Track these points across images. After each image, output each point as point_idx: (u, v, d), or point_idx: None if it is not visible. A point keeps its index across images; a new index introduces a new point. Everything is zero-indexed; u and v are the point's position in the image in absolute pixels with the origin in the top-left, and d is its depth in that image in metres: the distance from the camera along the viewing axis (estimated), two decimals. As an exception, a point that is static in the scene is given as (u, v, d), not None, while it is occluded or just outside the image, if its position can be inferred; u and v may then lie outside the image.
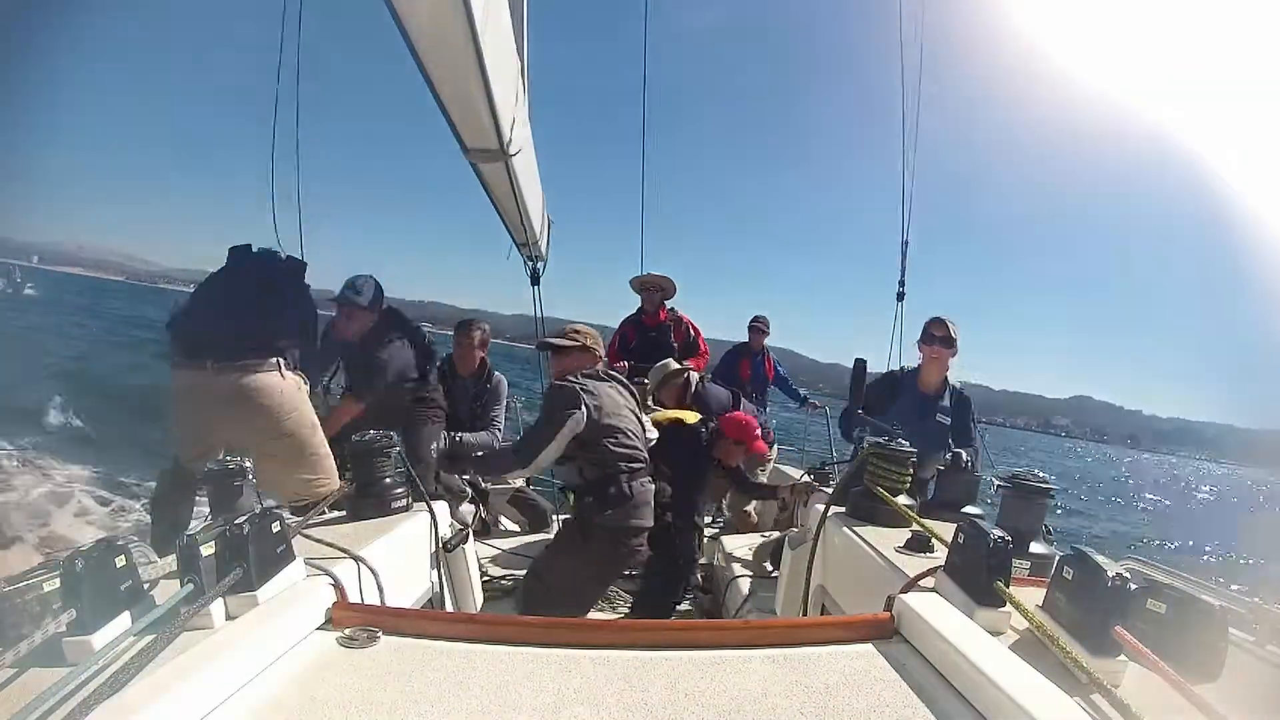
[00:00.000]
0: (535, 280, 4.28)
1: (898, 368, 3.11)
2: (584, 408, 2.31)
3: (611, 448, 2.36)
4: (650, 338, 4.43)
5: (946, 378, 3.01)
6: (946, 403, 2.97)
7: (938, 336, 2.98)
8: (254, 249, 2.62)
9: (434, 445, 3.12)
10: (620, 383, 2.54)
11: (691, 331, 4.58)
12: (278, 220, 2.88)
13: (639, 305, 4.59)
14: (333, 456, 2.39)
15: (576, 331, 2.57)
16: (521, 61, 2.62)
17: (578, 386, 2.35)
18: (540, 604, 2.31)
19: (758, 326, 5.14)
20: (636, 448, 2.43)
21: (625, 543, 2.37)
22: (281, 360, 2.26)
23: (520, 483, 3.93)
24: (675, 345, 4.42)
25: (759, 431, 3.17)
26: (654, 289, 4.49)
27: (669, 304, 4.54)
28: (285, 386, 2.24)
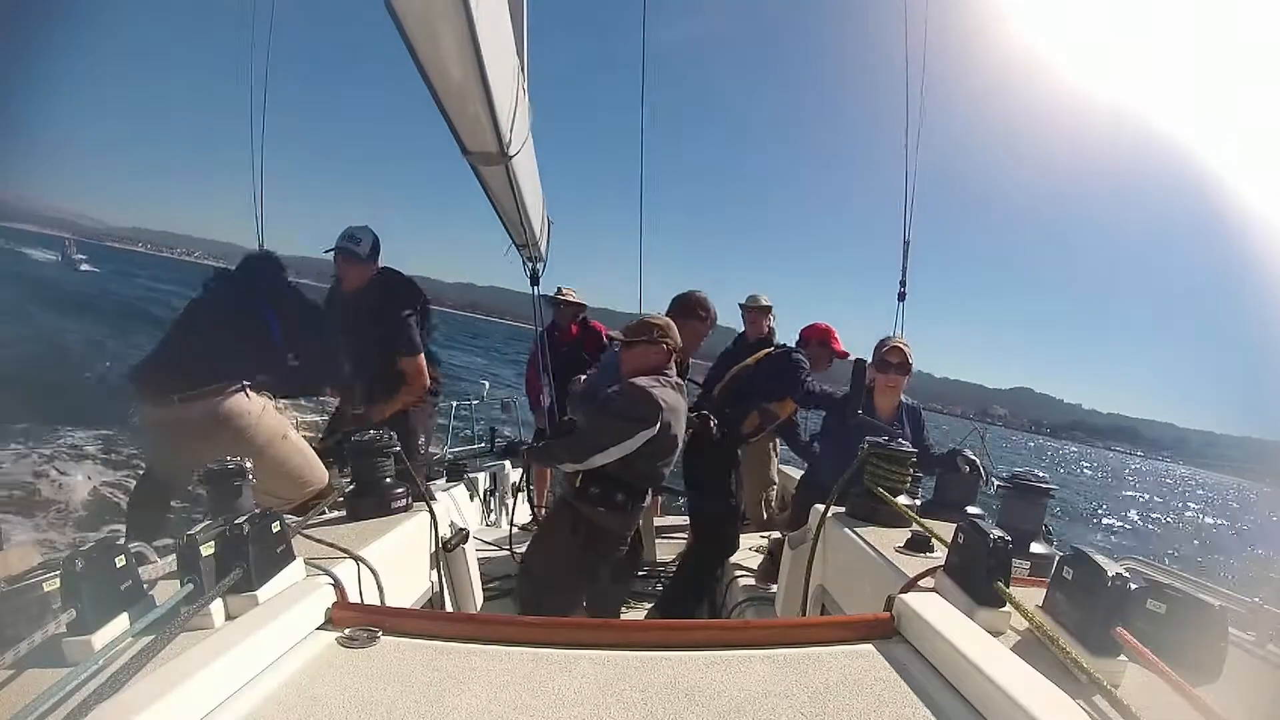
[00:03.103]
0: (535, 281, 4.28)
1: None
2: (658, 424, 2.17)
3: (656, 466, 2.30)
4: (562, 353, 4.61)
5: (900, 398, 2.95)
6: (904, 423, 2.92)
7: (894, 364, 2.88)
8: (226, 270, 2.66)
9: (422, 438, 3.14)
10: (683, 391, 2.43)
11: (605, 336, 4.80)
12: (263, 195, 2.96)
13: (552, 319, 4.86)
14: (313, 453, 2.42)
15: (660, 328, 2.39)
16: (521, 62, 2.61)
17: (660, 399, 2.19)
18: (532, 600, 2.30)
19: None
20: (670, 468, 2.39)
21: (614, 546, 2.36)
22: (244, 383, 2.32)
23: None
24: (588, 356, 4.62)
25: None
26: (562, 301, 4.74)
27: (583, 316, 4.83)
28: (250, 406, 2.31)
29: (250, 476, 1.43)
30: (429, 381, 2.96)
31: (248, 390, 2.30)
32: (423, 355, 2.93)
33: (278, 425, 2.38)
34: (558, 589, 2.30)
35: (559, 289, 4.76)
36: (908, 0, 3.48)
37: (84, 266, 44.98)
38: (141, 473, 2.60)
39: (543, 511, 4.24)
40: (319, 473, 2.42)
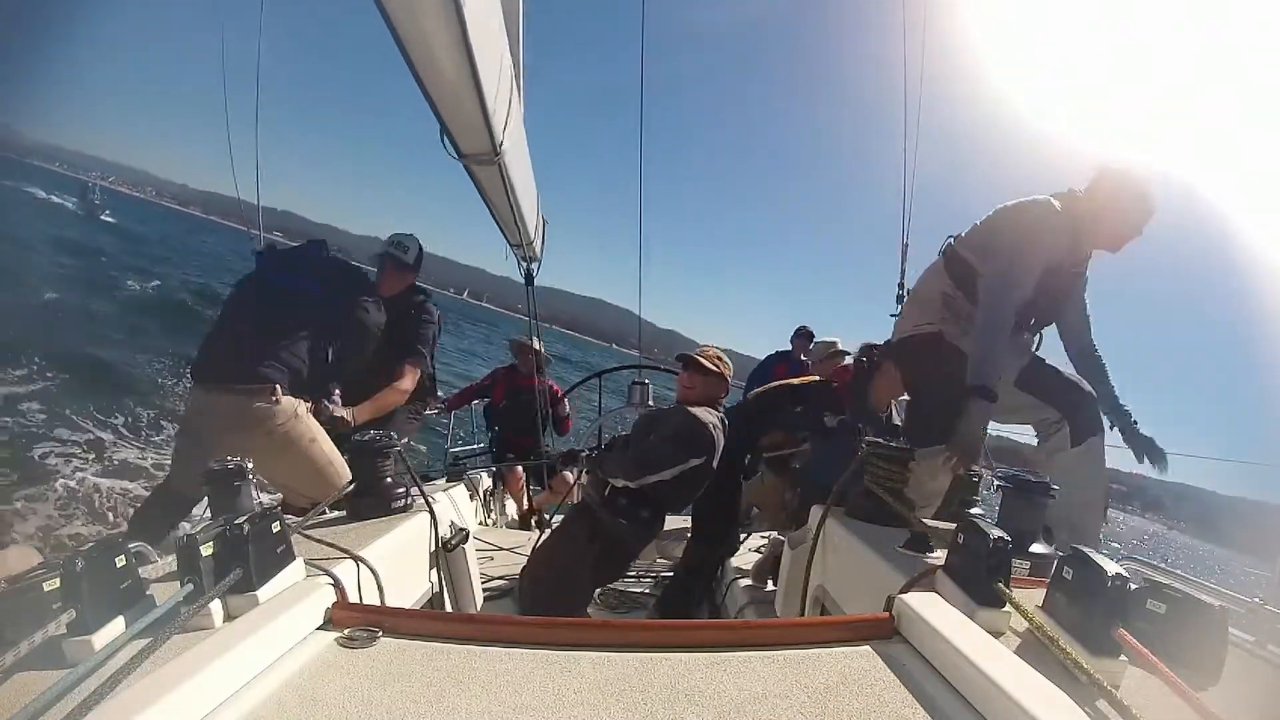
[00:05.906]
0: (529, 281, 4.27)
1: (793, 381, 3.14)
2: (706, 459, 2.27)
3: (687, 492, 2.34)
4: (522, 400, 4.57)
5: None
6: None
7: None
8: (277, 249, 2.67)
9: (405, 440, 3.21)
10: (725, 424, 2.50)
11: (558, 394, 4.97)
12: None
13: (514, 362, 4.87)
14: (339, 456, 2.43)
15: (720, 359, 2.52)
16: (515, 60, 2.61)
17: (714, 433, 2.30)
18: (535, 602, 2.30)
19: (807, 332, 5.20)
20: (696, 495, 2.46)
21: (627, 559, 2.37)
22: (279, 385, 2.31)
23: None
24: (551, 411, 4.72)
25: None
26: (529, 351, 4.64)
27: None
28: (281, 410, 2.31)
29: (250, 476, 1.43)
30: (408, 394, 3.00)
31: (279, 390, 2.31)
32: (421, 372, 3.00)
33: (307, 430, 2.40)
34: (564, 593, 2.31)
35: (526, 339, 4.75)
36: (906, 8, 3.50)
37: (105, 216, 40.29)
38: (159, 483, 2.61)
39: (525, 505, 4.31)
40: (346, 475, 2.44)
